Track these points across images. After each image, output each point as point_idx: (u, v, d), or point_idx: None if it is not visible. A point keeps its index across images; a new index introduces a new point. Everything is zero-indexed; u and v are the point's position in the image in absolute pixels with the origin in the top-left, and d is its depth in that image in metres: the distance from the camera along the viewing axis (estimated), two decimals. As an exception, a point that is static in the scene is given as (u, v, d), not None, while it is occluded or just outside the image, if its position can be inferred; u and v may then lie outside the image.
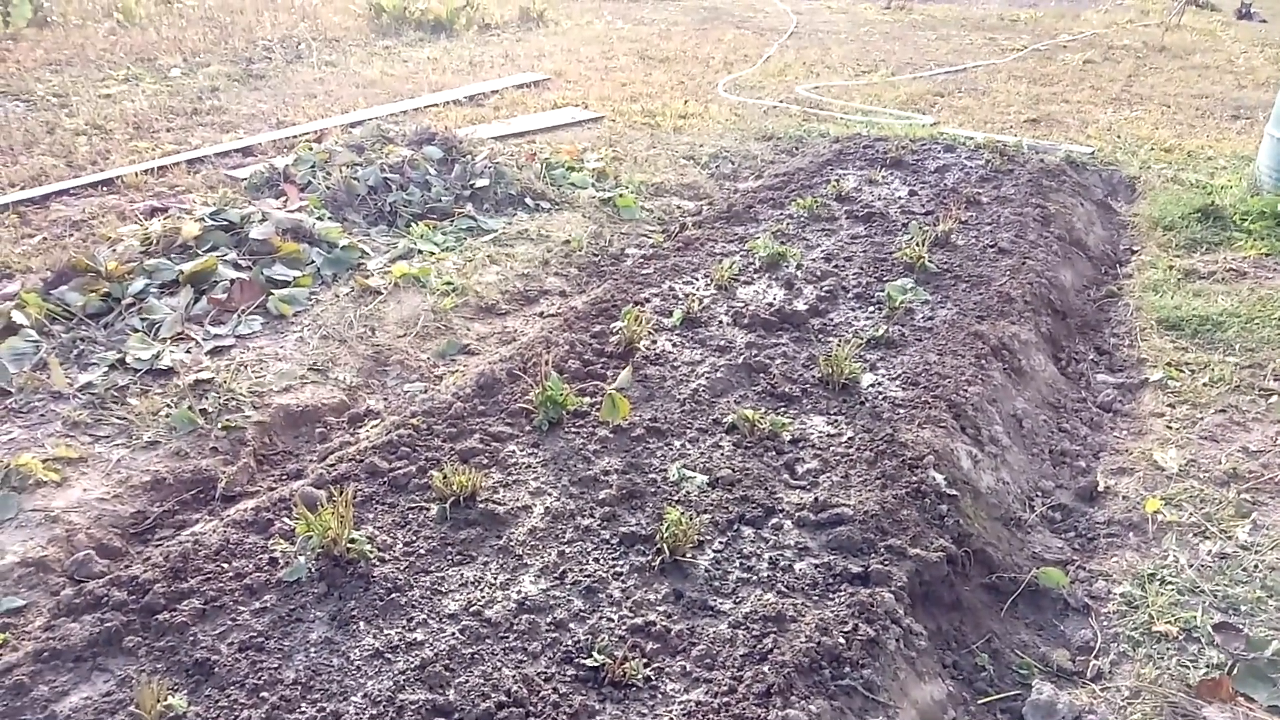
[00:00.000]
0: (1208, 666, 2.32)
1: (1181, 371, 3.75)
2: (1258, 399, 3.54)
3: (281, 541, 2.46)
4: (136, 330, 3.68)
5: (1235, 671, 2.29)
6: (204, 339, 3.71)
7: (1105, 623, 2.52)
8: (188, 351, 3.60)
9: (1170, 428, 3.39)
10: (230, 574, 2.39)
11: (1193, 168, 6.43)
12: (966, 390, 3.33)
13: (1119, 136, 7.29)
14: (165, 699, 2.00)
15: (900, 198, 5.43)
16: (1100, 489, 3.09)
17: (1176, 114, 8.19)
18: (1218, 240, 5.09)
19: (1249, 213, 5.24)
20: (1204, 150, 6.87)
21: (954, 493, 2.81)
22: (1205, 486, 3.02)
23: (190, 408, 3.23)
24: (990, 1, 17.60)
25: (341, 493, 2.48)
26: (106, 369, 3.45)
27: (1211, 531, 2.82)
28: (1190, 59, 10.99)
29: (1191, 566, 2.68)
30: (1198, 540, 2.79)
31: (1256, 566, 2.67)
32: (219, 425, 3.19)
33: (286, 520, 2.55)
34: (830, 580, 2.42)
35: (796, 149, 6.76)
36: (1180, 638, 2.42)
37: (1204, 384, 3.65)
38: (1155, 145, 7.02)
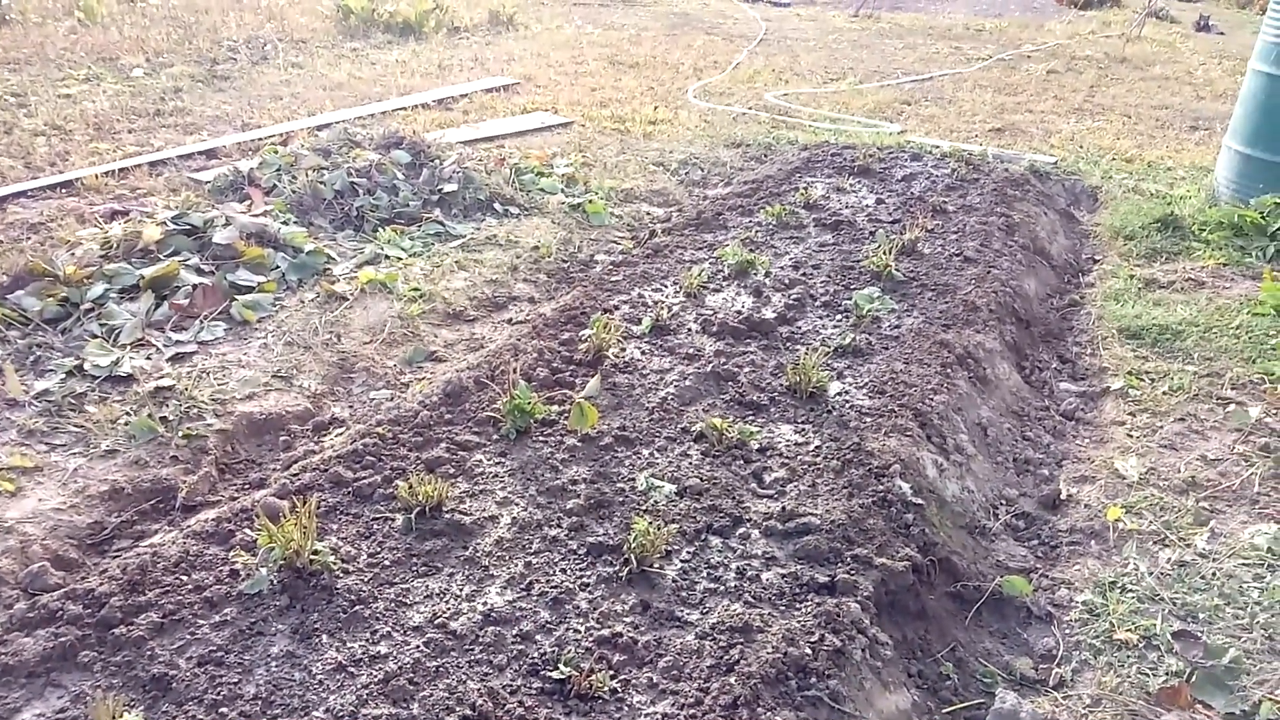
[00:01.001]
0: (1167, 674, 2.35)
1: (1142, 380, 3.81)
2: (1215, 407, 3.60)
3: (243, 553, 2.42)
4: (95, 336, 3.61)
5: (1193, 679, 2.32)
6: (165, 345, 3.64)
7: (1068, 630, 2.55)
8: (148, 358, 3.54)
9: (1131, 436, 3.44)
10: (190, 586, 2.35)
11: (1153, 178, 6.54)
12: (932, 399, 3.36)
13: (1081, 146, 7.40)
14: (121, 715, 1.96)
15: (868, 206, 5.47)
16: (1063, 497, 3.12)
17: (1137, 124, 8.33)
18: (1177, 250, 5.18)
19: (1207, 223, 5.34)
20: (1164, 161, 7.00)
21: (919, 501, 2.83)
22: (1165, 494, 3.07)
23: (150, 415, 3.17)
24: (956, 11, 17.82)
25: (305, 503, 2.45)
26: (64, 376, 3.38)
27: (1171, 539, 2.86)
28: (1150, 70, 11.19)
29: (1151, 574, 2.72)
30: (1157, 548, 2.83)
31: (1214, 574, 2.71)
32: (180, 433, 3.14)
33: (248, 531, 2.51)
34: (797, 590, 2.43)
35: (765, 156, 6.79)
36: (1140, 645, 2.46)
37: (1163, 392, 3.71)
38: (1117, 155, 7.14)
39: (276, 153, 5.50)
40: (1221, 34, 15.59)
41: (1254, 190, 5.32)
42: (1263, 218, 5.13)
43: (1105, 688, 2.32)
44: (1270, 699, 2.26)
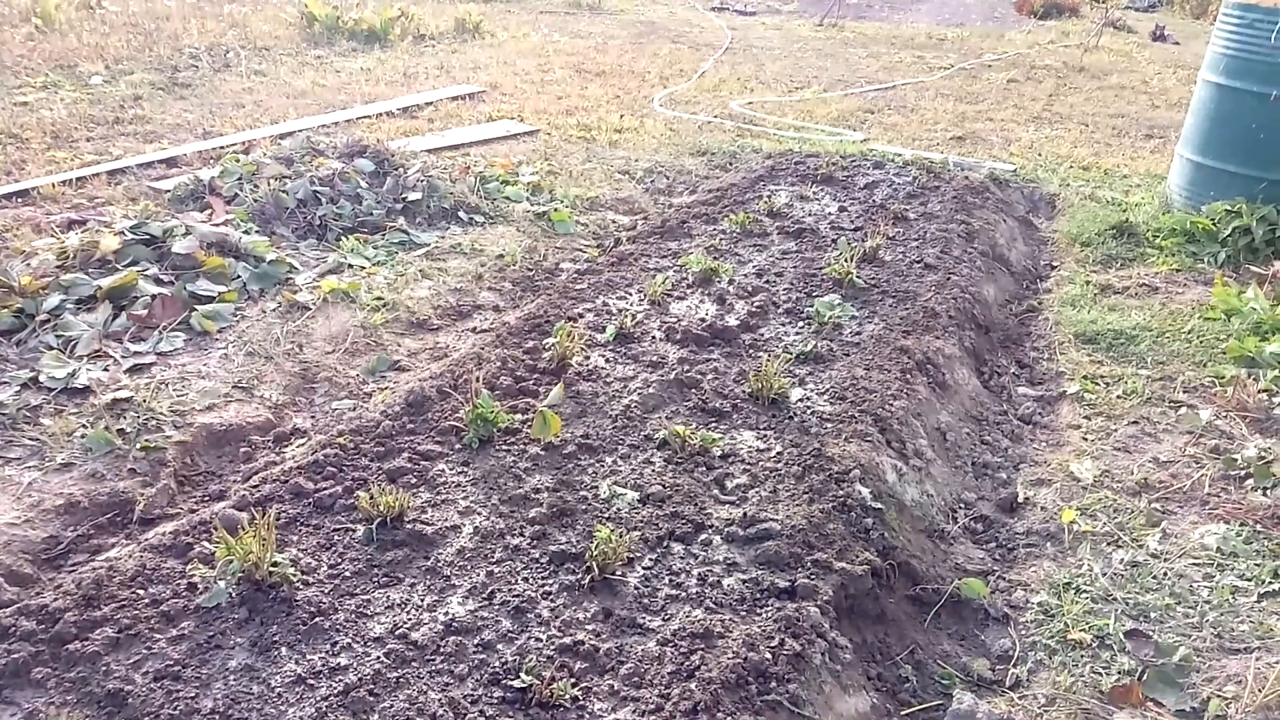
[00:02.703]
0: (1119, 673, 2.40)
1: (1097, 384, 3.88)
2: (1168, 410, 3.68)
3: (201, 566, 2.40)
4: (51, 348, 3.56)
5: (1145, 677, 2.37)
6: (123, 356, 3.60)
7: (1024, 632, 2.59)
8: (105, 370, 3.50)
9: (1086, 439, 3.50)
10: (146, 600, 2.32)
11: (1109, 185, 6.67)
12: (892, 404, 3.40)
13: (1040, 154, 7.53)
14: (75, 733, 1.94)
15: (830, 214, 5.53)
16: (1020, 500, 3.18)
17: (1094, 133, 8.49)
18: (1132, 256, 5.28)
19: (1161, 230, 5.45)
20: (1120, 168, 7.13)
21: (879, 506, 2.86)
22: (1118, 496, 3.13)
23: (107, 428, 3.14)
24: (919, 20, 18.05)
25: (264, 515, 2.43)
26: (18, 388, 3.33)
27: (1124, 540, 2.92)
28: (1108, 79, 11.41)
29: (1105, 575, 2.77)
30: (1111, 549, 2.89)
31: (1165, 574, 2.77)
32: (138, 446, 3.10)
33: (207, 544, 2.49)
34: (758, 595, 2.45)
35: (730, 164, 6.84)
36: (1094, 645, 2.50)
37: (1118, 396, 3.78)
38: (1074, 163, 7.27)
39: (238, 161, 5.45)
40: (1177, 44, 15.93)
41: (1206, 197, 5.44)
42: (1214, 224, 5.25)
43: (1060, 687, 2.36)
44: (1219, 696, 2.31)
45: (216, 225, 4.54)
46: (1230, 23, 5.31)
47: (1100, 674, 2.41)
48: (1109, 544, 2.91)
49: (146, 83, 8.02)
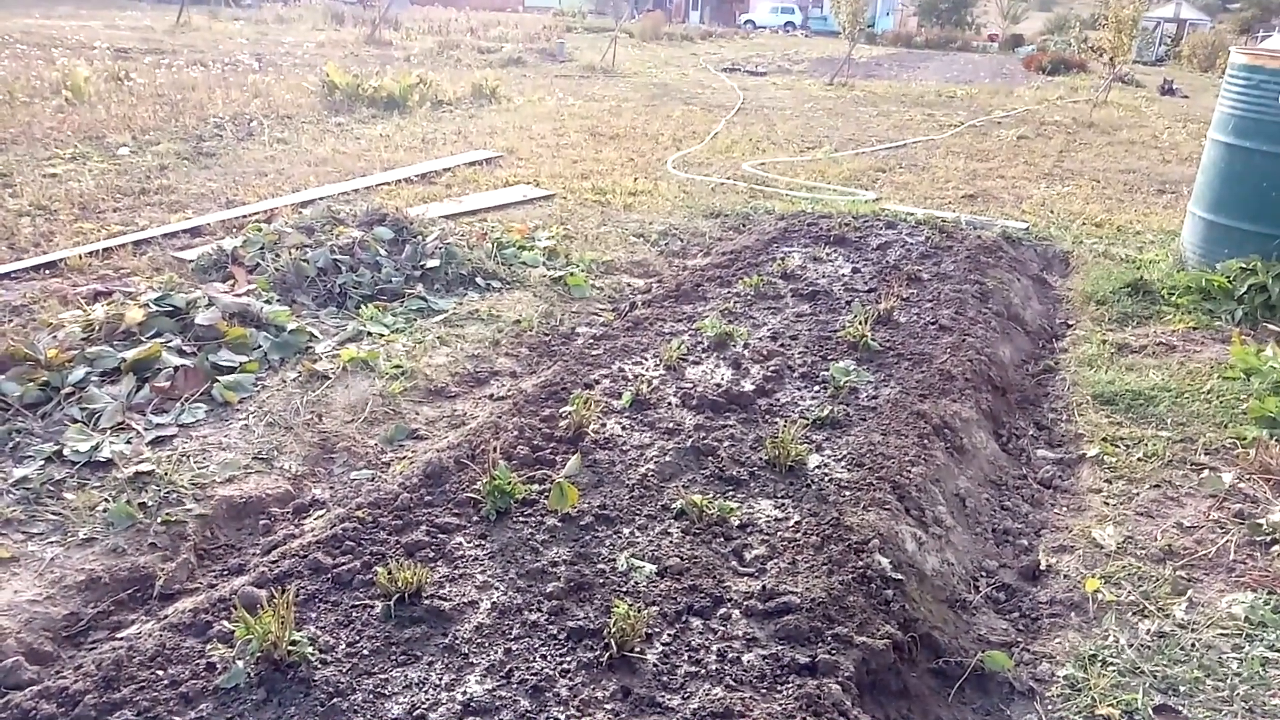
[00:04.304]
0: (1149, 750, 2.35)
1: (1117, 446, 3.86)
2: (1190, 473, 3.65)
3: (220, 645, 2.40)
4: (76, 421, 3.61)
5: (1176, 755, 2.32)
6: (145, 429, 3.64)
7: (1050, 706, 2.55)
8: (128, 442, 3.54)
9: (1108, 503, 3.47)
10: (166, 681, 2.32)
11: (1122, 242, 6.69)
12: (910, 471, 3.39)
13: (1052, 211, 7.58)
14: (93, 821, 1.92)
15: (844, 275, 5.57)
16: (1042, 568, 3.14)
17: (1106, 189, 8.54)
18: (1148, 314, 5.28)
19: (1176, 287, 5.45)
20: (1132, 225, 7.16)
21: (899, 577, 2.84)
22: (1142, 564, 3.09)
23: (129, 502, 3.16)
24: (928, 78, 18.30)
25: (283, 592, 2.43)
26: (43, 462, 3.37)
27: (1150, 610, 2.87)
28: (1117, 134, 11.50)
29: (1131, 646, 2.72)
30: (1137, 619, 2.84)
31: (1194, 645, 2.72)
32: (159, 519, 3.13)
33: (226, 623, 2.49)
34: (778, 671, 2.42)
35: (743, 226, 6.91)
36: (1122, 721, 2.46)
37: (1139, 459, 3.75)
38: (1086, 220, 7.31)
39: (260, 230, 5.56)
40: (1185, 97, 16.06)
41: (1219, 255, 5.45)
42: (1229, 281, 5.25)
43: (1088, 766, 2.32)
44: (1252, 775, 2.25)
45: (239, 295, 4.62)
46: (1237, 83, 5.37)
47: (1130, 752, 2.35)
48: (1134, 614, 2.87)
49: (172, 152, 8.23)
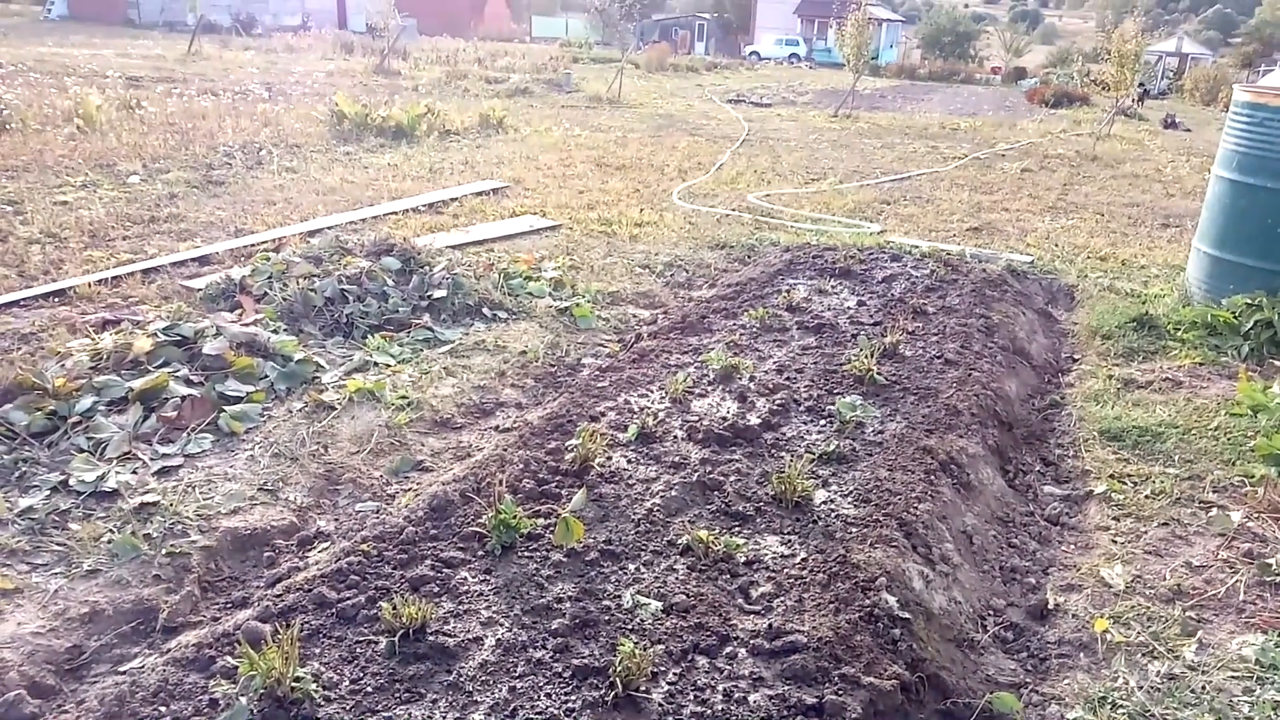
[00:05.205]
0: (1161, 796, 2.32)
1: (1124, 483, 3.84)
2: (1198, 511, 3.63)
3: (223, 681, 2.39)
4: (82, 450, 3.61)
5: (1188, 801, 2.29)
6: (151, 459, 3.65)
7: (1059, 750, 2.52)
8: (134, 472, 3.54)
9: (1116, 542, 3.45)
10: (168, 718, 2.30)
11: (1127, 276, 6.71)
12: (917, 507, 3.37)
13: (1057, 245, 7.60)
14: None
15: (849, 308, 5.58)
16: (1050, 606, 3.12)
17: (1110, 222, 8.56)
18: (1153, 349, 5.28)
19: (1181, 322, 5.46)
20: (1137, 259, 7.18)
21: (906, 616, 2.82)
22: (1151, 604, 3.07)
23: (134, 533, 3.16)
24: (932, 110, 18.43)
25: (287, 627, 2.42)
26: (49, 492, 3.37)
27: (1159, 651, 2.85)
28: (1121, 168, 11.55)
29: (1141, 689, 2.70)
30: (1146, 660, 2.82)
31: (1204, 688, 2.70)
32: (163, 551, 3.12)
33: (230, 658, 2.48)
34: (784, 712, 2.40)
35: (749, 258, 6.94)
36: (1133, 765, 2.43)
37: (1146, 496, 3.74)
38: (1091, 253, 7.33)
39: (268, 259, 5.60)
40: (1188, 130, 16.15)
41: (1225, 290, 5.46)
42: (1235, 317, 5.25)
43: (1099, 812, 2.29)
44: (1266, 822, 2.22)
45: (246, 325, 4.64)
46: (1240, 120, 5.40)
47: (1141, 798, 2.32)
48: (1144, 655, 2.85)
49: (182, 181, 8.30)
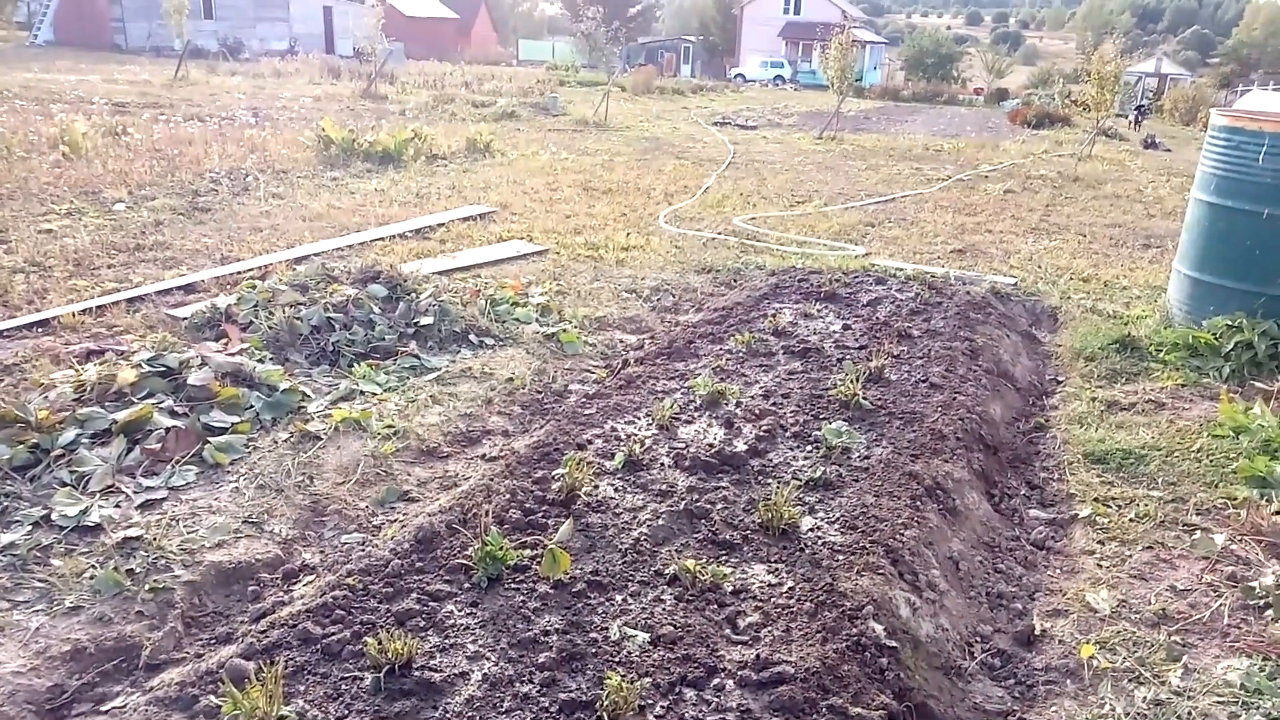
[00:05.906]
0: (1148, 825, 2.32)
1: (1109, 507, 3.86)
2: (1181, 534, 3.65)
3: (206, 721, 2.37)
4: (65, 484, 3.59)
5: (1175, 830, 2.29)
6: (135, 492, 3.62)
7: (1047, 779, 2.52)
8: (117, 506, 3.51)
9: (1101, 566, 3.46)
10: (150, 759, 2.28)
11: (1109, 298, 6.76)
12: (903, 534, 3.38)
13: (1039, 266, 7.66)
14: None
15: (835, 332, 5.61)
16: (1037, 632, 3.12)
17: (1092, 243, 8.64)
18: (1136, 371, 5.32)
19: (1163, 344, 5.50)
20: (1119, 280, 7.24)
21: (894, 644, 2.82)
22: (1137, 628, 3.08)
23: (116, 568, 3.13)
24: (915, 131, 18.59)
25: (271, 665, 2.41)
26: (30, 527, 3.34)
27: (1145, 677, 2.86)
28: (1102, 188, 11.68)
29: (1128, 715, 2.70)
30: (1132, 686, 2.82)
31: (1190, 713, 2.70)
32: (146, 586, 3.09)
33: (213, 697, 2.46)
34: (773, 745, 2.40)
35: (735, 281, 6.97)
36: (1120, 794, 2.43)
37: (1130, 519, 3.76)
38: (1074, 275, 7.39)
39: (254, 287, 5.59)
40: (1168, 150, 16.34)
41: (1205, 312, 5.52)
42: (1216, 339, 5.30)
43: (1087, 842, 2.28)
44: None
45: (231, 355, 4.62)
46: (1218, 144, 5.48)
47: (1129, 827, 2.32)
48: (1130, 680, 2.85)
49: (168, 208, 8.28)
